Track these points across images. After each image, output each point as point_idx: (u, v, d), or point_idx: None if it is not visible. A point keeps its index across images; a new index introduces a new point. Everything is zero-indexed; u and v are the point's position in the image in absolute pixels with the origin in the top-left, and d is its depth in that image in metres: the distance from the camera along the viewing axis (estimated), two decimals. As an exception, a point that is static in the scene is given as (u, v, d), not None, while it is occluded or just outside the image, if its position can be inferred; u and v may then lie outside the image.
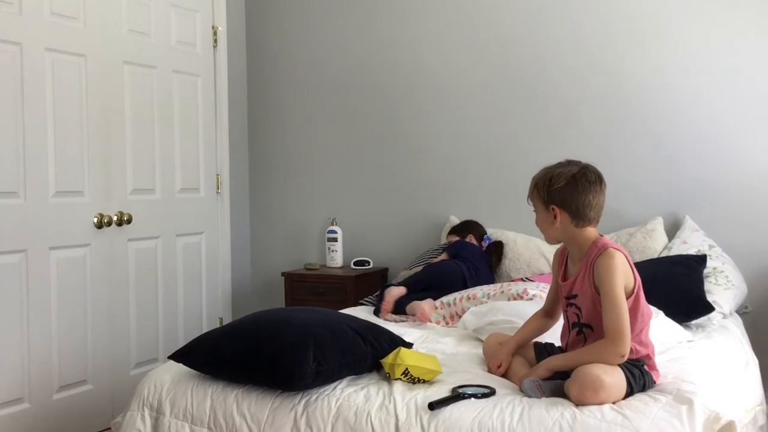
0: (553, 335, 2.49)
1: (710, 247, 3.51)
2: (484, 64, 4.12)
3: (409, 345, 2.49)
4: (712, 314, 3.09)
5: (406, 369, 2.22)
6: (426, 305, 3.23)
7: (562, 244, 2.43)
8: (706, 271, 3.33)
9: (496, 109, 4.11)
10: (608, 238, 2.29)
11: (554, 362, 2.23)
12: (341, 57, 4.47)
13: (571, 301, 2.28)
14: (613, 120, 3.85)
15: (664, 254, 3.53)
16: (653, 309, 2.61)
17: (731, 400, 2.32)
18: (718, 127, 3.66)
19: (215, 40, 4.40)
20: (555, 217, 2.26)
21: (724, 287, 3.28)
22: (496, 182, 4.12)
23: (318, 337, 2.24)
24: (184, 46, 4.20)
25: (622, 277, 2.16)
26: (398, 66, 4.32)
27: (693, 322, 3.08)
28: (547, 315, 2.47)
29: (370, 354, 2.33)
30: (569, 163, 2.29)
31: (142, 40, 3.90)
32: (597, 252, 2.21)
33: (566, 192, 2.24)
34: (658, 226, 3.67)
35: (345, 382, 2.28)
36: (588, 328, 2.24)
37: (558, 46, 3.96)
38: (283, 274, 4.31)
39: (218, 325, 4.39)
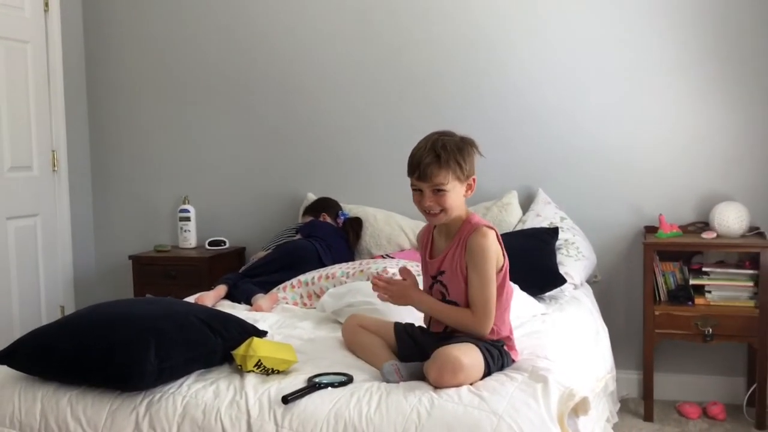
0: (414, 315, 2.43)
1: (562, 219, 3.59)
2: (342, 37, 3.99)
3: (262, 333, 2.35)
4: (564, 285, 3.16)
5: (259, 360, 2.09)
6: (265, 302, 3.05)
7: (426, 225, 2.37)
8: (558, 242, 3.40)
9: (352, 85, 3.99)
10: (477, 215, 2.25)
11: (426, 302, 2.20)
12: (192, 24, 4.19)
13: (439, 278, 2.22)
14: (467, 95, 3.84)
15: (518, 227, 3.58)
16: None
17: (584, 373, 2.38)
18: (569, 102, 3.74)
19: (46, 4, 4.00)
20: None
21: (575, 258, 3.37)
22: (353, 158, 4.02)
23: (160, 331, 2.06)
24: (10, 9, 3.78)
25: (495, 257, 2.13)
26: (252, 38, 4.10)
27: (546, 294, 3.13)
28: None
29: (220, 345, 2.18)
30: (442, 133, 2.18)
31: (-43, 0, 3.48)
32: (470, 229, 2.16)
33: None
34: (513, 200, 3.71)
35: (193, 377, 2.12)
36: (454, 305, 2.19)
37: (414, 24, 3.88)
38: (130, 257, 4.03)
39: (60, 315, 4.06)
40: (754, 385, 3.31)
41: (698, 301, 3.34)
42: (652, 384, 3.37)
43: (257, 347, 2.11)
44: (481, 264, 2.11)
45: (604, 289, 3.69)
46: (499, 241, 2.17)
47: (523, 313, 2.74)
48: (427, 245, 2.30)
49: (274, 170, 4.13)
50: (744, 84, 3.54)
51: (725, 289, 3.31)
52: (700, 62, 3.58)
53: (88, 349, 2.03)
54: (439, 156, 2.11)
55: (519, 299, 2.80)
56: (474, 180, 2.20)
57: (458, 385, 1.96)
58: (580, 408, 2.02)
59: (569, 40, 3.72)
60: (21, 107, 3.85)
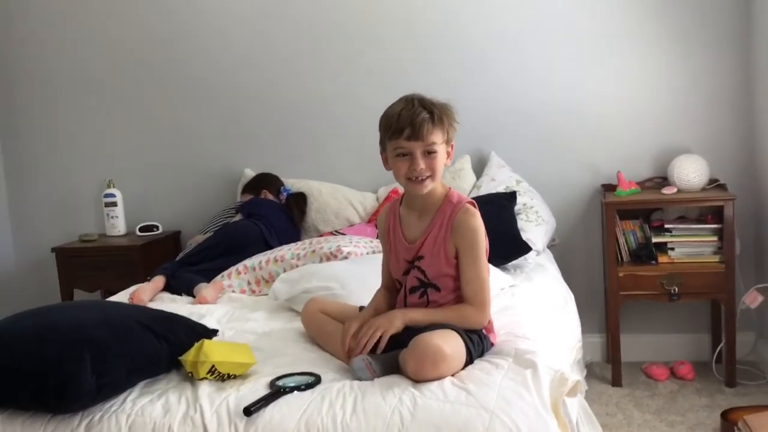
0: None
1: (518, 182, 3.42)
2: (276, 8, 3.68)
3: (212, 333, 2.11)
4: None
5: (213, 366, 1.85)
6: (209, 293, 2.78)
7: (387, 206, 2.15)
8: (516, 208, 3.24)
9: (287, 49, 3.70)
10: (454, 189, 2.05)
11: (413, 315, 1.94)
12: (102, -10, 3.82)
13: (416, 263, 2.01)
14: (411, 57, 3.59)
15: (474, 194, 3.39)
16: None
17: (563, 349, 2.24)
18: (517, 63, 3.55)
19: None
20: (448, 157, 1.99)
21: (535, 223, 3.21)
22: (293, 129, 3.74)
23: (96, 342, 1.79)
24: None
25: (484, 238, 1.95)
26: (175, 7, 3.75)
27: (509, 263, 2.97)
28: (388, 290, 2.15)
29: (166, 351, 1.92)
30: (419, 95, 1.97)
31: None
32: (453, 208, 1.96)
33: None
34: (466, 165, 3.53)
35: (137, 390, 1.86)
36: (433, 288, 2.00)
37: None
38: (53, 249, 3.68)
39: (-22, 318, 3.70)
40: (722, 344, 3.24)
41: (661, 259, 3.23)
42: (619, 348, 3.26)
43: (209, 351, 1.87)
44: (476, 251, 1.94)
45: (563, 252, 3.55)
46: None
47: (491, 287, 2.55)
48: (395, 227, 2.08)
49: (206, 146, 3.82)
50: (695, 33, 3.41)
51: (689, 246, 3.21)
52: (646, 16, 3.43)
53: (13, 368, 1.74)
54: (432, 113, 1.91)
55: (487, 273, 2.64)
56: (453, 147, 2.00)
57: (440, 377, 1.77)
58: (571, 391, 1.86)
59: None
60: None
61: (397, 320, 1.92)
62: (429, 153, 1.92)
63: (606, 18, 3.47)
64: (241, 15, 3.71)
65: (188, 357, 1.88)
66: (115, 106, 3.87)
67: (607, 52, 3.49)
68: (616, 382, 3.27)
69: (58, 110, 3.92)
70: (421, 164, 1.91)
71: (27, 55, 3.91)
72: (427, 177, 1.93)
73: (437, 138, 1.91)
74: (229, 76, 3.76)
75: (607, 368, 3.39)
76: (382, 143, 1.99)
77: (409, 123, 1.89)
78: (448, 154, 1.99)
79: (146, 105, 3.85)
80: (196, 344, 1.91)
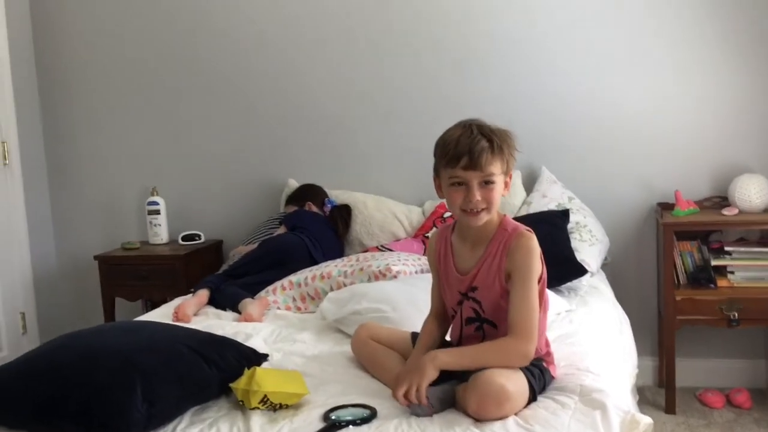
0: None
1: (570, 199, 3.32)
2: (322, 6, 3.62)
3: (263, 358, 2.04)
4: (582, 274, 2.90)
5: (265, 396, 1.78)
6: (255, 309, 2.72)
7: (437, 231, 2.06)
8: (569, 226, 3.13)
9: (334, 57, 3.64)
10: (510, 217, 1.95)
11: (444, 359, 1.80)
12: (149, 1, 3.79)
13: (471, 294, 1.91)
14: (463, 68, 3.50)
15: (523, 210, 3.30)
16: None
17: (626, 383, 2.13)
18: (572, 75, 3.43)
19: (-15, -21, 3.56)
20: (506, 187, 1.88)
21: (589, 243, 3.11)
22: (337, 139, 3.67)
23: (145, 369, 1.74)
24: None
25: (539, 264, 1.84)
26: (221, 10, 3.71)
27: (563, 285, 2.87)
28: (438, 318, 2.05)
29: (216, 378, 1.86)
30: (477, 120, 1.85)
31: None
32: (508, 235, 1.86)
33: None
34: (516, 180, 3.43)
35: (187, 418, 1.80)
36: (490, 324, 1.90)
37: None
38: (96, 257, 3.65)
39: (20, 322, 3.71)
40: (783, 372, 3.11)
41: (720, 283, 3.10)
42: (674, 374, 3.12)
43: (262, 380, 1.80)
44: (527, 274, 1.81)
45: (615, 271, 3.43)
46: None
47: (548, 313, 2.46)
48: (447, 255, 1.99)
49: (250, 155, 3.77)
50: (757, 47, 3.26)
51: (750, 270, 3.07)
52: (706, 28, 3.29)
53: (59, 397, 1.69)
54: (492, 141, 1.79)
55: (542, 297, 2.54)
56: (511, 177, 1.89)
57: (503, 417, 1.69)
58: (640, 433, 1.76)
59: (572, 10, 3.40)
60: (-37, 96, 3.43)
61: (429, 370, 1.77)
62: (486, 183, 1.81)
63: (664, 31, 3.34)
64: (287, 24, 3.65)
65: (239, 385, 1.82)
66: (160, 113, 3.84)
67: (665, 65, 3.36)
68: (669, 409, 3.14)
69: (102, 117, 3.90)
70: (478, 196, 1.80)
71: (70, 62, 3.89)
72: (483, 209, 1.83)
73: (496, 168, 1.80)
74: (275, 86, 3.70)
75: (660, 393, 3.28)
76: (436, 170, 1.90)
77: (467, 151, 1.78)
78: (506, 184, 1.87)
79: (191, 113, 3.81)
80: (248, 371, 1.85)
